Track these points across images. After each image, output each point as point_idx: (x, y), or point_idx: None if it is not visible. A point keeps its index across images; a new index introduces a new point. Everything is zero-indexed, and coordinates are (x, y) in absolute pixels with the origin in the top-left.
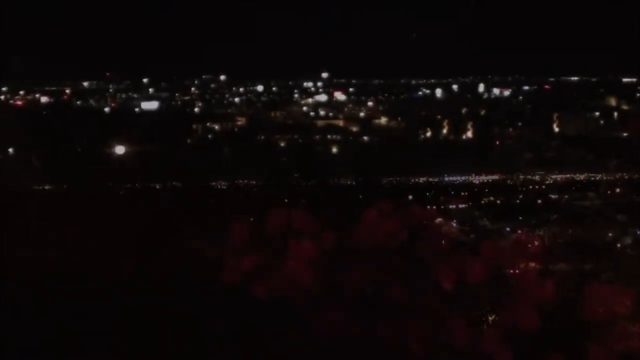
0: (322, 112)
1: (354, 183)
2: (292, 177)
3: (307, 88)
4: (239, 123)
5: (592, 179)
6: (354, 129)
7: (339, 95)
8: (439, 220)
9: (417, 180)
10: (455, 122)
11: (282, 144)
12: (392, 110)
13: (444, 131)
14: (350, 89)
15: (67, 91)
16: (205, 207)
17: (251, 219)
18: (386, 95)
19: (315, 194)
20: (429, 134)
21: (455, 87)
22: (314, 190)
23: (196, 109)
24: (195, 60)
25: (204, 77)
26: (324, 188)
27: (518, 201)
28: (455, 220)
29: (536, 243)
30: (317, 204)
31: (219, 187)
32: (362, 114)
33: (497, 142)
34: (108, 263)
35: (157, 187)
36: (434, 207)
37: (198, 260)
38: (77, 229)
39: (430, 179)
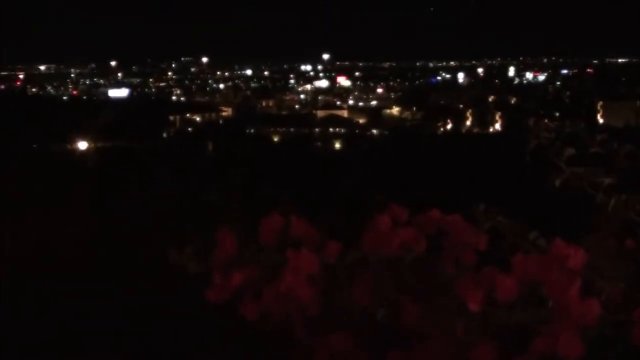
0: (323, 101)
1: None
2: (289, 177)
3: (306, 72)
4: (225, 114)
5: None
6: (361, 120)
7: (343, 81)
8: (463, 227)
9: (436, 179)
10: (480, 112)
11: (276, 139)
12: (406, 98)
13: (467, 123)
14: (357, 73)
15: (21, 77)
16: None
17: (241, 226)
18: (399, 80)
19: (316, 197)
20: (449, 126)
21: (480, 70)
22: (314, 193)
23: (174, 97)
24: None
25: (183, 59)
26: (327, 190)
27: (557, 206)
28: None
29: (579, 256)
30: (318, 209)
31: (202, 190)
32: (370, 103)
33: (530, 136)
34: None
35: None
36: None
37: (177, 275)
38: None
39: (451, 179)
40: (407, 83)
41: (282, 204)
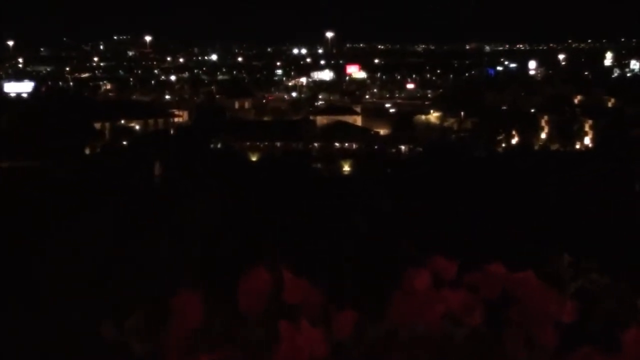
0: (324, 100)
1: (383, 225)
2: (276, 215)
3: (300, 58)
4: (179, 119)
5: None
6: (382, 131)
7: (355, 72)
8: (539, 290)
9: (496, 219)
10: (561, 119)
11: (254, 158)
12: (450, 98)
13: (543, 135)
14: (375, 61)
15: None
16: (123, 270)
17: (208, 287)
18: (439, 71)
19: (318, 244)
20: (515, 140)
21: (561, 57)
22: (315, 238)
23: (101, 95)
24: (102, 8)
25: (116, 38)
26: (333, 235)
27: None
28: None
29: None
30: (322, 261)
31: (146, 235)
32: (394, 105)
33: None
34: None
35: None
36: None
37: (115, 358)
38: None
39: (519, 218)
40: (451, 76)
41: (268, 254)
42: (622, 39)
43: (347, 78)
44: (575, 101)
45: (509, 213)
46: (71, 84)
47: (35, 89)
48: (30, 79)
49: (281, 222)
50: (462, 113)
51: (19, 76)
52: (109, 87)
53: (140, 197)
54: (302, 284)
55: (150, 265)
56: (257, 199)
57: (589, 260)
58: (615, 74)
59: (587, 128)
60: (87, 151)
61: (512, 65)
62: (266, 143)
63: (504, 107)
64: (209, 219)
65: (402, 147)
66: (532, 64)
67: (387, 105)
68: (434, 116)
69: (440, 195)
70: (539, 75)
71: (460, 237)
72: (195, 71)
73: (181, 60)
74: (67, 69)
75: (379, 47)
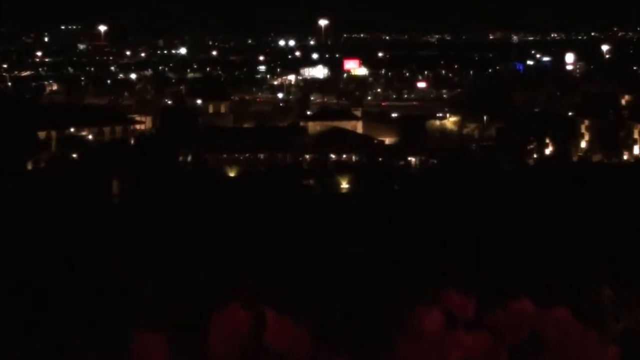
0: (317, 103)
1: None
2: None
3: (287, 51)
4: (139, 127)
5: None
6: (387, 139)
7: (355, 68)
8: (575, 330)
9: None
10: (606, 124)
11: (232, 173)
12: (471, 98)
13: (583, 144)
14: (379, 54)
15: None
16: (73, 305)
17: (174, 327)
18: (456, 67)
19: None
20: (549, 150)
21: (605, 48)
22: (303, 269)
23: (46, 95)
24: None
25: (63, 27)
26: (324, 264)
27: None
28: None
29: None
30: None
31: (101, 264)
32: (402, 108)
33: None
34: None
35: None
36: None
37: None
38: None
39: (550, 244)
40: (471, 72)
41: (246, 288)
42: None
43: (345, 75)
44: (623, 102)
45: (538, 237)
46: (9, 84)
47: None
48: None
49: (263, 250)
50: (485, 117)
51: None
52: (55, 87)
53: (94, 223)
54: (288, 324)
55: (103, 303)
56: (235, 223)
57: (635, 294)
58: None
59: (636, 135)
60: (29, 166)
61: (546, 58)
62: (247, 155)
63: (536, 110)
64: (176, 248)
65: (412, 159)
66: (569, 57)
67: (394, 108)
68: (450, 121)
69: (456, 216)
70: (577, 70)
71: (480, 267)
72: (160, 68)
73: (143, 54)
74: (5, 66)
75: (384, 37)
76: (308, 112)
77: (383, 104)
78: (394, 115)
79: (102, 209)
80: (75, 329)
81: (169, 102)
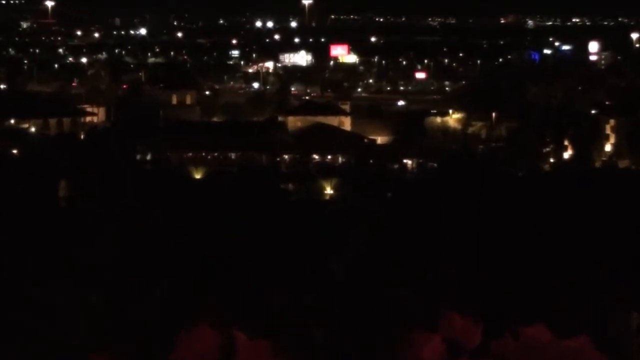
0: (299, 94)
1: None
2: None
3: (265, 34)
4: (91, 120)
5: None
6: (379, 138)
7: (343, 55)
8: None
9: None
10: (634, 123)
11: (199, 175)
12: (477, 92)
13: (607, 147)
14: (371, 39)
15: None
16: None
17: (129, 353)
18: (461, 55)
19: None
20: (567, 153)
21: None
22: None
23: None
24: None
25: (4, 1)
26: (306, 284)
27: None
28: None
29: None
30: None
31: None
32: (398, 102)
33: None
34: None
35: None
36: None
37: None
38: None
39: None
40: (479, 61)
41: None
42: None
43: (332, 63)
44: None
45: (555, 255)
46: None
47: None
48: None
49: (234, 264)
50: (494, 114)
51: None
52: None
53: (36, 230)
54: (262, 349)
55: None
56: (202, 233)
57: None
58: None
59: None
60: None
61: (566, 47)
62: (216, 154)
63: (553, 107)
64: (133, 259)
65: (408, 162)
66: (593, 46)
67: (388, 102)
68: (453, 118)
69: (459, 230)
70: (602, 61)
71: (487, 287)
72: (117, 51)
73: (96, 35)
74: None
75: (377, 20)
76: (288, 106)
77: (375, 97)
78: (387, 110)
79: (45, 214)
80: (20, 349)
81: (126, 91)
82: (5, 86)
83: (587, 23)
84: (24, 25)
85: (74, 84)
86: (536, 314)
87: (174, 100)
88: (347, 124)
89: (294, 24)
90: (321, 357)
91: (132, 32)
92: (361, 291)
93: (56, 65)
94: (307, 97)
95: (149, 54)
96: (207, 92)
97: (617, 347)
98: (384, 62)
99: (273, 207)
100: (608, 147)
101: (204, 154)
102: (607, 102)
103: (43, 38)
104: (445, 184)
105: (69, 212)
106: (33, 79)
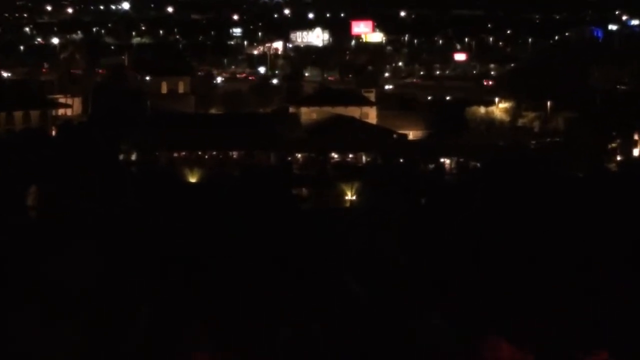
0: (313, 81)
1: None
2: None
3: (272, 8)
4: (64, 112)
5: None
6: (410, 133)
7: (367, 33)
8: None
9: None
10: None
11: (194, 179)
12: (529, 77)
13: None
14: (401, 14)
15: None
16: None
17: None
18: (509, 32)
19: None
20: (638, 149)
21: None
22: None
23: None
24: None
25: None
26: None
27: None
28: None
29: None
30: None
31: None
32: (433, 89)
33: None
34: None
35: None
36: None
37: None
38: None
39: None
40: (530, 40)
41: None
42: None
43: (353, 43)
44: None
45: (622, 274)
46: None
47: None
48: None
49: (236, 284)
50: (549, 103)
51: None
52: None
53: (4, 241)
54: None
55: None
56: (197, 246)
57: None
58: None
59: None
60: None
61: (635, 22)
62: (214, 153)
63: (620, 94)
64: (113, 278)
65: (446, 161)
66: None
67: (421, 89)
68: (500, 108)
69: (507, 243)
70: None
71: (536, 311)
72: (95, 30)
73: (70, 10)
74: None
75: None
76: (300, 94)
77: (406, 83)
78: (421, 99)
79: (9, 224)
80: None
81: (106, 77)
82: None
83: None
84: None
85: (43, 70)
86: (599, 342)
87: (164, 88)
88: (372, 115)
89: None
90: None
91: (113, 6)
92: (386, 318)
93: (22, 47)
94: (323, 84)
95: (134, 33)
96: (203, 78)
97: None
98: (415, 41)
99: (282, 216)
100: None
101: (199, 153)
102: None
103: (6, 15)
104: (490, 188)
105: (38, 221)
106: None
